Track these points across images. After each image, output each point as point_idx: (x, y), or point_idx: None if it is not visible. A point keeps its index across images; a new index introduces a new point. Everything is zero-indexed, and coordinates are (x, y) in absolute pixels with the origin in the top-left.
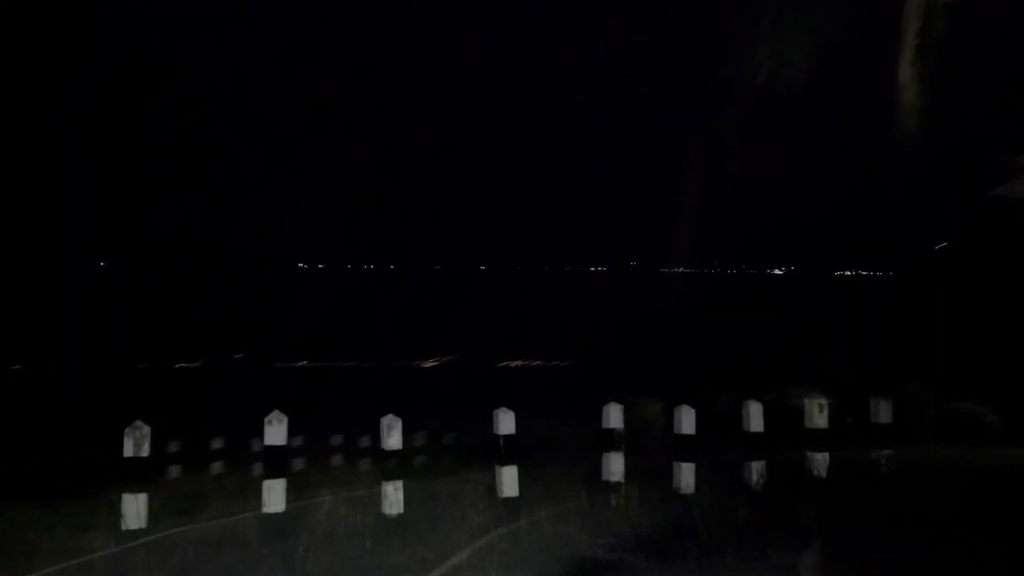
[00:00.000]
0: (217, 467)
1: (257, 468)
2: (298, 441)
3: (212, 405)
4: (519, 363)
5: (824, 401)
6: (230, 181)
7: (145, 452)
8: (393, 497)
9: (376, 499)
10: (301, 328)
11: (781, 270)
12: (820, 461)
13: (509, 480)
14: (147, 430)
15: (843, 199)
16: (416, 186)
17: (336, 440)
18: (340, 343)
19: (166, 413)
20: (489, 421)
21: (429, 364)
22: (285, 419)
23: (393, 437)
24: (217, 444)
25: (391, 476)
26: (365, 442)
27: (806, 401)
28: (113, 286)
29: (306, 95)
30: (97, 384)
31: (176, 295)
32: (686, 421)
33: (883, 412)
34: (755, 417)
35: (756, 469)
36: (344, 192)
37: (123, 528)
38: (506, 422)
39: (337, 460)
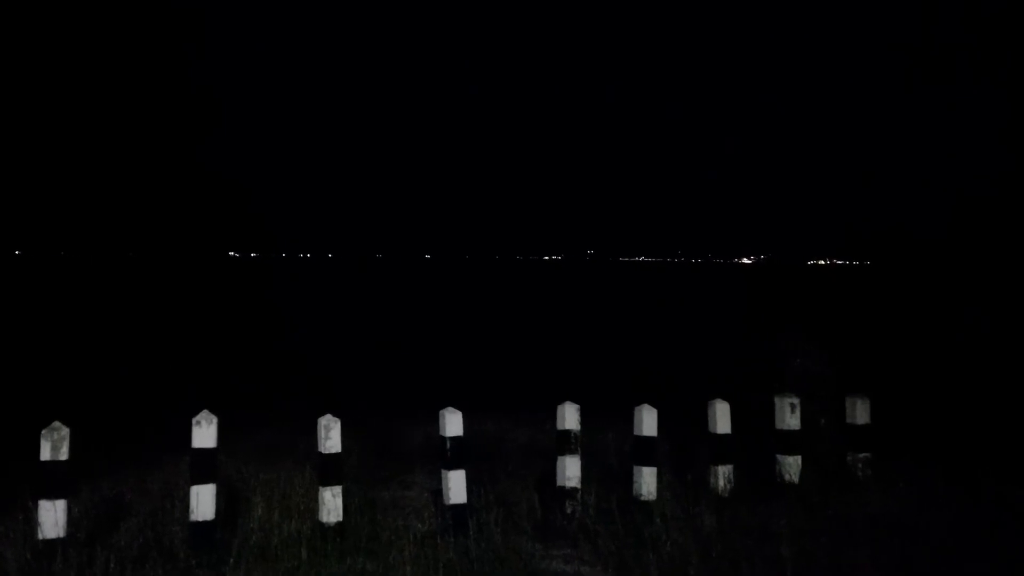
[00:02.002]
0: (145, 471)
1: (186, 472)
2: (228, 443)
3: (146, 406)
4: (471, 357)
5: (796, 400)
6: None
7: (64, 455)
8: (331, 504)
9: (313, 506)
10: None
11: (751, 259)
12: (792, 465)
13: (456, 485)
14: (65, 432)
15: (820, 186)
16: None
17: (272, 441)
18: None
19: (95, 413)
20: (435, 421)
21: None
22: (215, 420)
23: (332, 439)
24: (146, 446)
25: (329, 481)
26: (303, 443)
27: (776, 400)
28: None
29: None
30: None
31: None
32: (647, 422)
33: (860, 412)
34: (721, 418)
35: (723, 474)
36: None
37: (39, 537)
38: (453, 423)
39: (272, 463)
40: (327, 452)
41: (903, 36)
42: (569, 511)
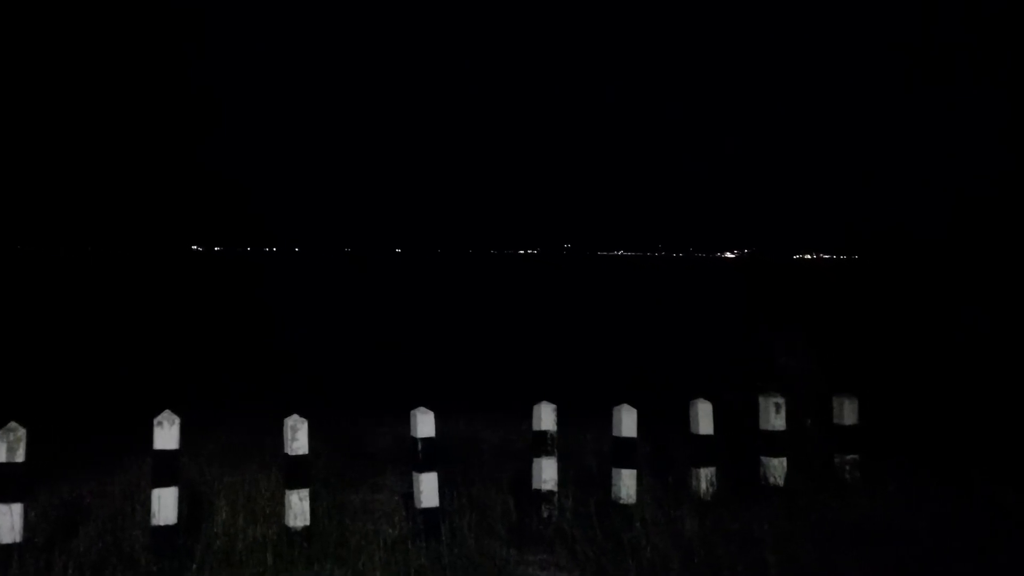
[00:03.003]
0: (105, 473)
1: (147, 475)
2: (190, 444)
3: (106, 406)
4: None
5: (781, 400)
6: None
7: (20, 457)
8: (298, 508)
9: (279, 510)
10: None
11: (734, 253)
12: (776, 467)
13: (428, 489)
14: (22, 432)
15: (808, 179)
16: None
17: (237, 443)
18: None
19: (53, 413)
20: (406, 422)
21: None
22: (177, 420)
23: (298, 440)
24: (106, 447)
25: (296, 484)
26: (269, 445)
27: (761, 400)
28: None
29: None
30: None
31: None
32: (626, 423)
33: (847, 412)
34: (704, 418)
35: (705, 476)
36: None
37: None
38: (425, 424)
39: (236, 465)
40: (294, 454)
41: (903, 36)
42: (545, 515)
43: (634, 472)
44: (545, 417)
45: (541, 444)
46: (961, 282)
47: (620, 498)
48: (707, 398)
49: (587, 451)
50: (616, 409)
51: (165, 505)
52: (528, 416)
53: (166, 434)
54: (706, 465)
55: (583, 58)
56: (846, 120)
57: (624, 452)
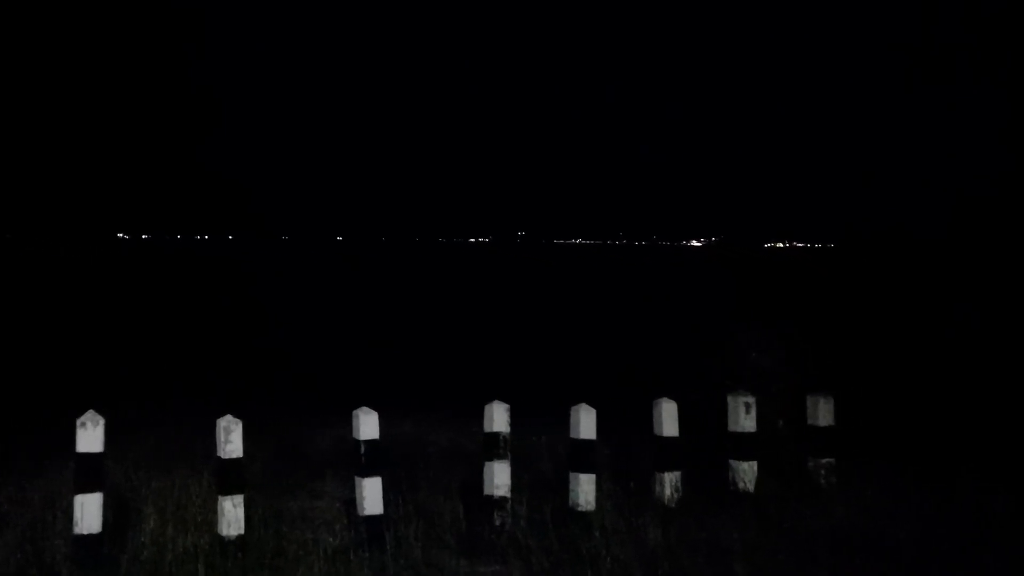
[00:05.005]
0: (23, 478)
1: (69, 480)
2: (116, 446)
3: (24, 406)
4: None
5: (751, 399)
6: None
7: None
8: (231, 515)
9: (211, 517)
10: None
11: (700, 241)
12: (746, 471)
13: (372, 495)
14: None
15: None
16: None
17: (165, 445)
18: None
19: None
20: (348, 423)
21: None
22: (102, 421)
23: (232, 442)
24: (24, 451)
25: (229, 489)
26: (200, 447)
27: (729, 399)
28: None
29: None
30: None
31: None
32: (585, 424)
33: (822, 413)
34: (668, 419)
35: (669, 481)
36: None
37: None
38: (368, 425)
39: (165, 469)
40: (227, 457)
41: (903, 36)
42: (498, 523)
43: (593, 477)
44: (497, 418)
45: (493, 447)
46: (949, 277)
47: (578, 505)
48: (672, 397)
49: (543, 454)
50: (574, 409)
51: (88, 512)
52: (479, 417)
53: (90, 436)
54: (671, 469)
55: (537, 36)
56: (832, 111)
57: (582, 455)
